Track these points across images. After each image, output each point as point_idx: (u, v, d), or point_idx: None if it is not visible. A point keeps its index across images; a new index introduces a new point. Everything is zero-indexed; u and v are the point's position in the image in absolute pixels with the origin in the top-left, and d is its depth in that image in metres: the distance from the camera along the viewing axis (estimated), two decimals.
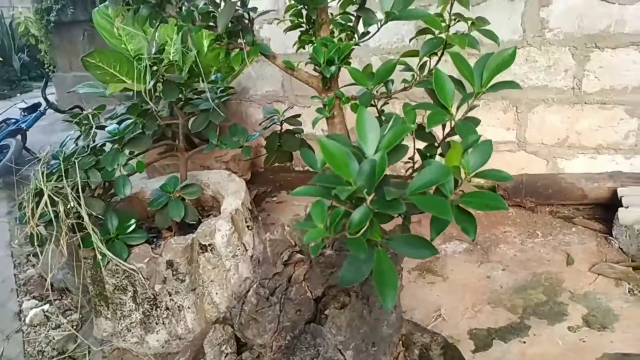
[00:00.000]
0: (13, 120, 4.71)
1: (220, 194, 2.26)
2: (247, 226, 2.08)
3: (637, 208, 1.93)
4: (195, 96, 2.20)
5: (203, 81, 2.36)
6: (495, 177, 0.76)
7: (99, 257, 1.70)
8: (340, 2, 1.21)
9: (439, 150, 1.01)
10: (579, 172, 2.37)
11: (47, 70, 8.43)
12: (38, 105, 5.20)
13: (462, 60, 0.85)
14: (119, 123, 2.21)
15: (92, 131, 1.76)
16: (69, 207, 1.65)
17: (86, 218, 1.67)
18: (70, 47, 7.81)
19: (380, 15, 1.11)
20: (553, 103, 2.40)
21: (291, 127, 1.99)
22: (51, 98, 4.94)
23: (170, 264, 1.82)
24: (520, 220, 2.35)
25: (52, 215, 1.65)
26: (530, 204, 2.42)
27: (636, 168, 2.27)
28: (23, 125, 4.60)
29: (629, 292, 1.78)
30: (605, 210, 2.24)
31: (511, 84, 0.85)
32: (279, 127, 1.99)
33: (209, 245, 1.91)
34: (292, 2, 1.20)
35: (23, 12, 9.47)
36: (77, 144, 1.77)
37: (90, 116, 1.75)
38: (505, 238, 2.23)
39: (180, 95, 2.08)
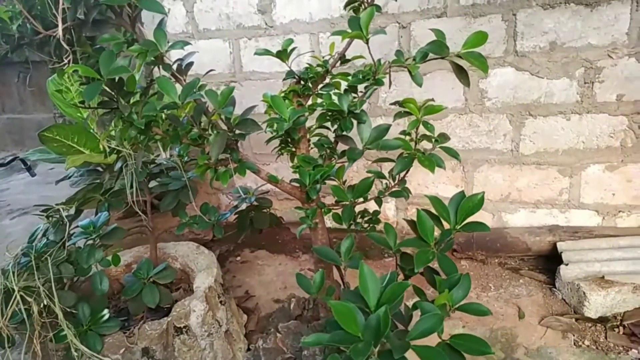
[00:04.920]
0: None
1: (189, 267, 2.28)
2: (220, 301, 2.11)
3: (575, 265, 2.16)
4: (156, 167, 2.24)
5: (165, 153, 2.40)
6: (473, 311, 0.88)
7: (74, 353, 1.68)
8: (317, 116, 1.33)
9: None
10: (522, 227, 2.61)
11: None
12: None
13: (439, 203, 0.98)
14: (83, 202, 2.20)
15: (63, 225, 1.75)
16: (42, 305, 1.63)
17: (60, 315, 1.65)
18: (3, 89, 7.48)
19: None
20: (495, 163, 2.64)
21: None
22: None
23: (146, 351, 1.82)
24: (474, 273, 2.54)
25: (24, 315, 1.62)
26: (481, 256, 2.63)
27: (570, 222, 2.55)
28: None
29: (574, 344, 1.98)
30: (548, 261, 2.48)
31: (481, 226, 1.00)
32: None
33: (184, 327, 1.92)
34: (272, 115, 1.30)
35: None
36: (47, 238, 1.75)
37: (60, 210, 1.74)
38: None
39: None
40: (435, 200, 0.98)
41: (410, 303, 1.00)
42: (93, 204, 2.29)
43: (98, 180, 2.48)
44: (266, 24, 2.84)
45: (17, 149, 7.81)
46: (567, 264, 2.19)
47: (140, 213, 1.97)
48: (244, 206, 2.07)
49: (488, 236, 2.60)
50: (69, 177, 2.79)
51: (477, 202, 0.96)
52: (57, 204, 1.77)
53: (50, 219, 1.77)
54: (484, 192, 0.99)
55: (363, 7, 1.25)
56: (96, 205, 2.27)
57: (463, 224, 0.96)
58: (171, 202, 2.07)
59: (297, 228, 3.22)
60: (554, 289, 2.30)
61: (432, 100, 1.22)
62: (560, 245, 2.34)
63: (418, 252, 0.94)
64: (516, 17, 2.37)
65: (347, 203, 1.23)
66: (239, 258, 3.04)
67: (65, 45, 1.07)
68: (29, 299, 1.63)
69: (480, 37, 1.09)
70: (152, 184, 2.22)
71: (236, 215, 2.06)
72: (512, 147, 2.58)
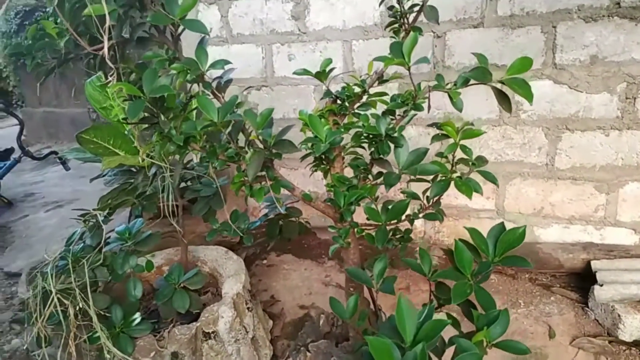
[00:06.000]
0: None
1: (217, 271, 2.32)
2: (248, 308, 2.13)
3: (610, 286, 2.10)
4: (187, 171, 2.27)
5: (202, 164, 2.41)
6: (512, 349, 0.87)
7: (107, 355, 1.73)
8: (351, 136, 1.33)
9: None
10: (555, 242, 2.55)
11: (15, 105, 8.23)
12: (11, 151, 5.10)
13: (477, 235, 0.97)
14: (117, 205, 2.25)
15: (99, 230, 1.79)
16: (78, 308, 1.68)
17: (95, 319, 1.69)
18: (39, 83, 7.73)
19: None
20: (528, 177, 2.58)
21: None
22: (17, 130, 4.86)
23: (175, 355, 1.86)
24: (503, 288, 2.50)
25: (61, 317, 1.67)
26: (510, 271, 2.58)
27: (605, 239, 2.47)
28: None
29: None
30: (581, 279, 2.42)
31: (522, 262, 0.98)
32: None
33: (213, 332, 1.95)
34: (308, 133, 1.30)
35: None
36: (83, 242, 1.80)
37: (98, 215, 1.78)
38: None
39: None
40: (473, 231, 0.97)
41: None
42: (126, 206, 2.35)
43: (131, 181, 2.54)
44: (299, 30, 2.85)
45: (51, 142, 8.05)
46: (601, 285, 2.12)
47: (172, 218, 2.00)
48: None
49: (519, 251, 2.55)
50: (103, 175, 2.87)
51: (518, 236, 0.95)
52: (94, 209, 1.81)
53: (87, 223, 1.81)
54: (525, 227, 0.97)
55: (403, 28, 1.24)
56: (130, 207, 2.32)
57: (502, 256, 0.95)
58: (202, 208, 2.10)
59: (323, 233, 3.23)
60: (587, 309, 2.24)
61: (471, 125, 1.20)
62: (595, 264, 2.28)
63: (456, 284, 0.93)
64: (556, 30, 2.31)
65: (381, 224, 1.23)
66: (265, 262, 3.06)
67: (110, 63, 1.10)
68: (66, 301, 1.68)
69: (526, 63, 1.07)
70: (181, 184, 2.26)
71: (265, 222, 2.08)
72: (547, 160, 2.52)
